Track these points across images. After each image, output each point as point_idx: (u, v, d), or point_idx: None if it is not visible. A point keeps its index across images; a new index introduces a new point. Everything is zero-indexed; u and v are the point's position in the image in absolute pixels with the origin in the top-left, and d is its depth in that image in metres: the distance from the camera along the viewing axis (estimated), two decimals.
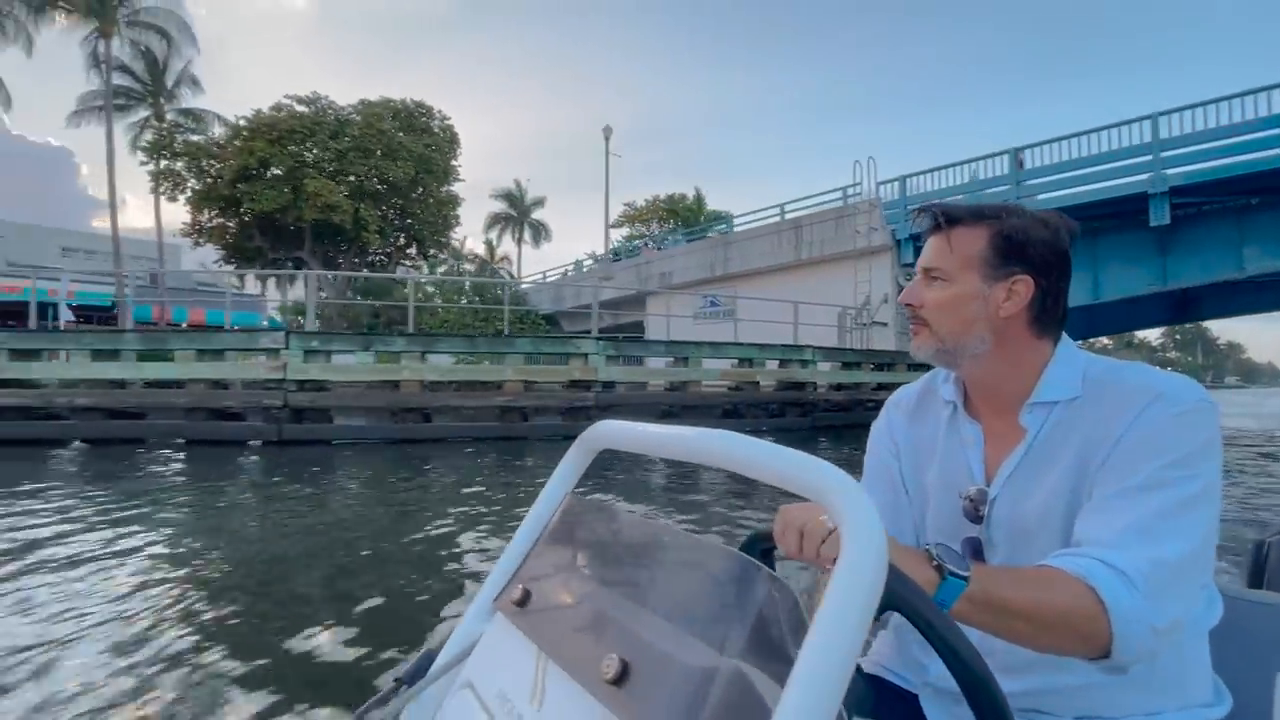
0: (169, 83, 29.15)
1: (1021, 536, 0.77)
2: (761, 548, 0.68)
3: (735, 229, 19.95)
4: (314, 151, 22.80)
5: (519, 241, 47.42)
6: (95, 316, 27.49)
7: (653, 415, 11.65)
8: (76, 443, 9.42)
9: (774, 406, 12.56)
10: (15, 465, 7.88)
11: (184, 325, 32.07)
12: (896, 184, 15.71)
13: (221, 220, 24.52)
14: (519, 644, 0.60)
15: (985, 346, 0.79)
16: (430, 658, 0.70)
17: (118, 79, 28.58)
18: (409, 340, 10.02)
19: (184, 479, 7.42)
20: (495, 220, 45.59)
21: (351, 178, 23.15)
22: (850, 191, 16.28)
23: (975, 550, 0.80)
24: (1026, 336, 0.79)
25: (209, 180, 22.69)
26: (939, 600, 0.58)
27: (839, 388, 13.32)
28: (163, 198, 23.80)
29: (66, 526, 4.89)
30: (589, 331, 20.25)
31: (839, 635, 0.38)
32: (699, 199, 38.97)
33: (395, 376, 9.79)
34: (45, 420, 9.55)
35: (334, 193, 22.07)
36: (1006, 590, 0.62)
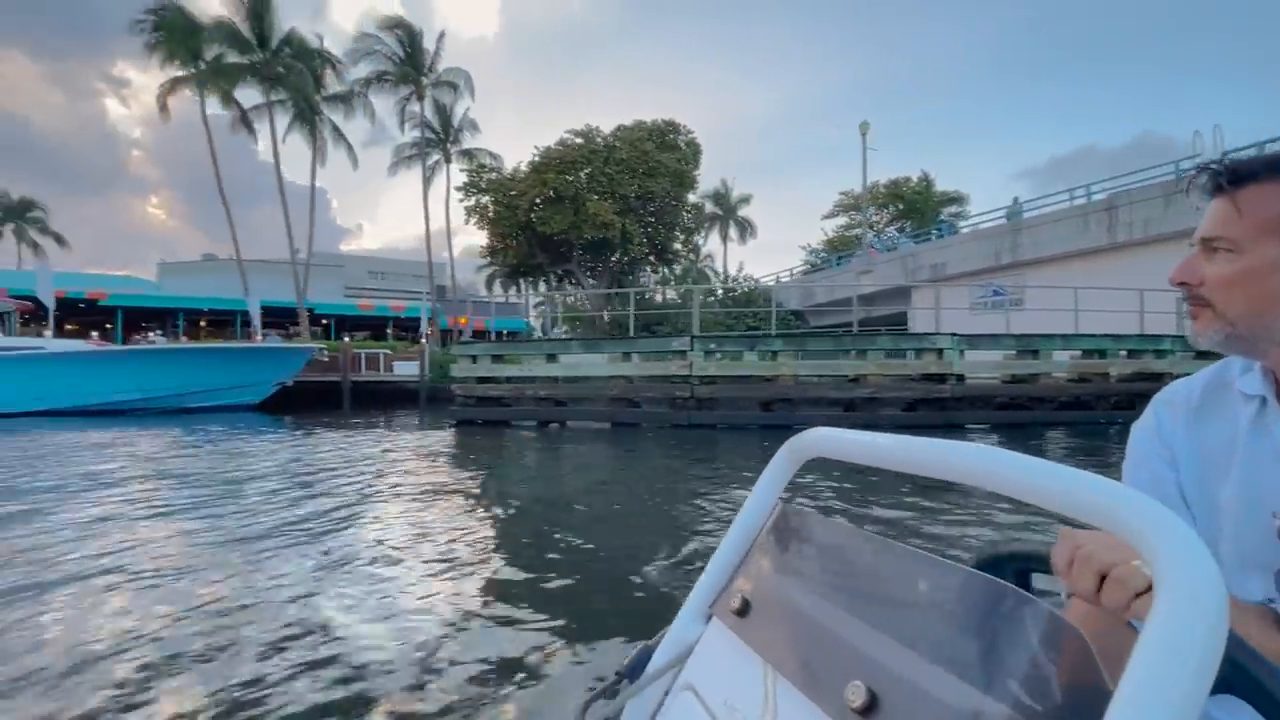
0: (454, 127, 35.25)
1: None
2: (1015, 569, 0.57)
3: (1025, 213, 19.22)
4: (584, 175, 26.12)
5: (725, 239, 49.07)
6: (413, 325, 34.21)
7: (989, 407, 12.10)
8: (532, 423, 12.51)
9: (1116, 398, 12.26)
10: (491, 438, 10.87)
11: (423, 331, 38.46)
12: (1253, 151, 14.14)
13: (508, 242, 29.11)
14: (742, 654, 0.59)
15: None
16: (648, 654, 0.70)
17: (418, 131, 35.24)
18: (785, 341, 11.64)
19: (605, 450, 9.82)
20: (702, 219, 47.52)
21: (617, 196, 26.15)
22: (1182, 165, 14.98)
23: None
24: None
25: (502, 209, 27.14)
26: None
27: None
28: (473, 226, 28.89)
29: (523, 471, 7.50)
30: (849, 326, 20.74)
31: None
32: (926, 181, 37.28)
33: (774, 372, 11.46)
34: (505, 406, 12.76)
35: (608, 211, 25.20)
36: None
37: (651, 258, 31.98)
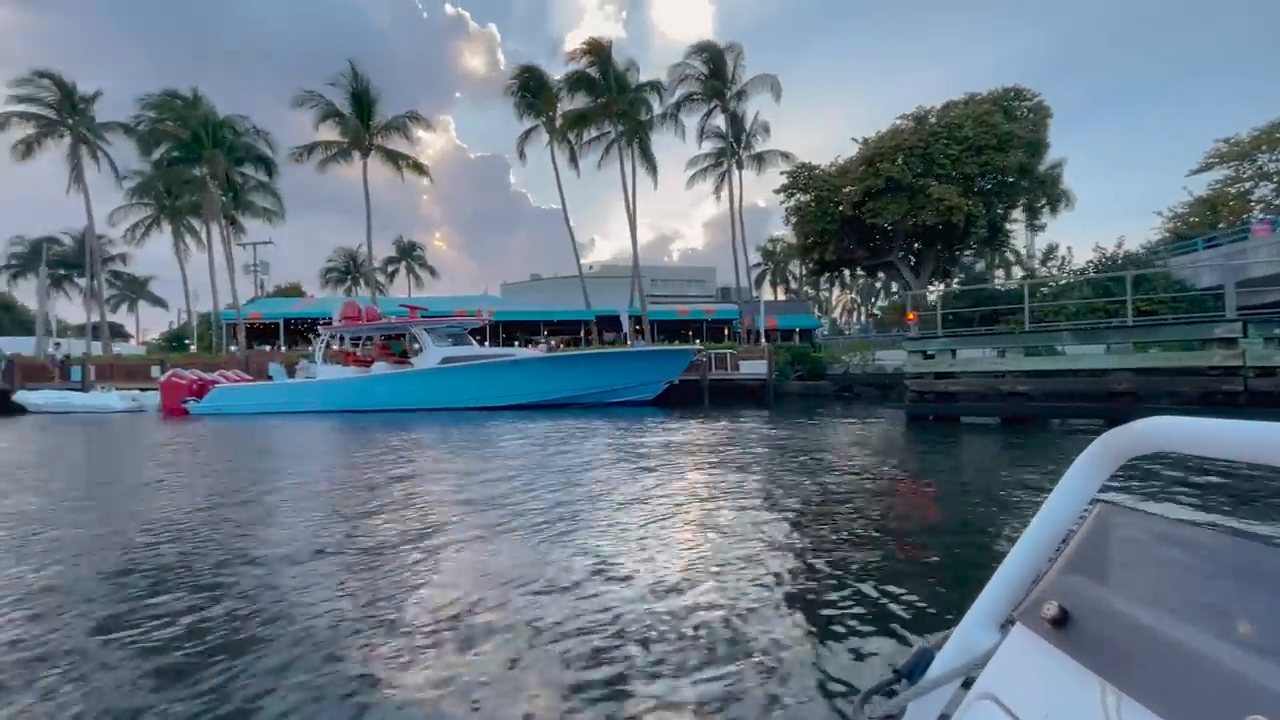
0: (746, 132, 36.35)
1: None
2: None
3: None
4: (919, 159, 24.76)
5: (1036, 212, 42.82)
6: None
7: None
8: (993, 420, 12.00)
9: None
10: (945, 435, 10.35)
11: (761, 329, 39.55)
12: None
13: (823, 239, 28.97)
14: (1064, 667, 0.54)
15: None
16: (927, 656, 0.66)
17: (711, 143, 37.09)
18: None
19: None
20: (1056, 193, 41.32)
21: (960, 176, 24.31)
22: None
23: None
24: None
25: (828, 204, 27.04)
26: None
27: None
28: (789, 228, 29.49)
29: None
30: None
31: None
32: None
33: None
34: (958, 402, 12.45)
35: (953, 194, 23.56)
36: None
37: (974, 241, 29.29)
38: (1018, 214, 28.67)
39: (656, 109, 34.57)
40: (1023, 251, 33.66)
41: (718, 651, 2.59)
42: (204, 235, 35.86)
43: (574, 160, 35.73)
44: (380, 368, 19.92)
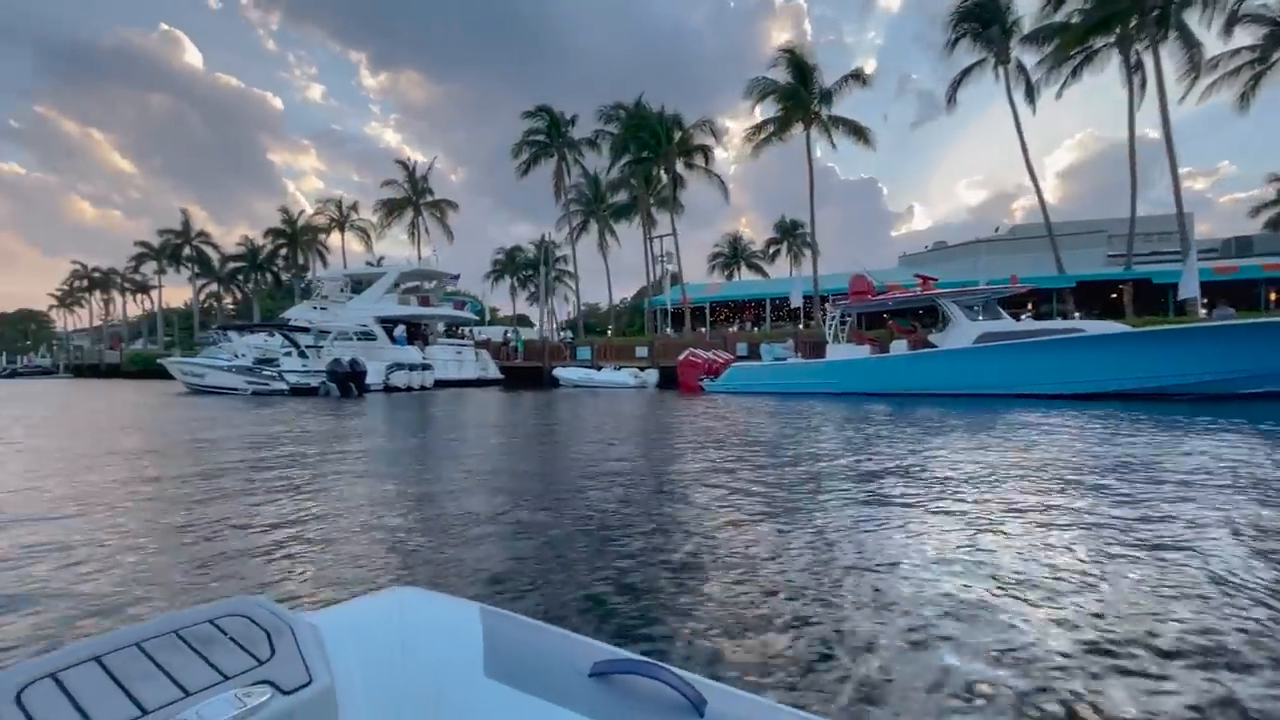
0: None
1: None
2: None
3: None
4: None
5: None
6: None
7: None
8: None
9: None
10: None
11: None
12: None
13: None
14: None
15: None
16: None
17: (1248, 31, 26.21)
18: None
19: None
20: None
21: None
22: None
23: None
24: None
25: None
26: None
27: None
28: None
29: None
30: None
31: None
32: None
33: None
34: None
35: None
36: None
37: None
38: None
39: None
40: None
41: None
42: (619, 233, 40.50)
43: (1030, 94, 29.45)
44: (898, 346, 17.96)
